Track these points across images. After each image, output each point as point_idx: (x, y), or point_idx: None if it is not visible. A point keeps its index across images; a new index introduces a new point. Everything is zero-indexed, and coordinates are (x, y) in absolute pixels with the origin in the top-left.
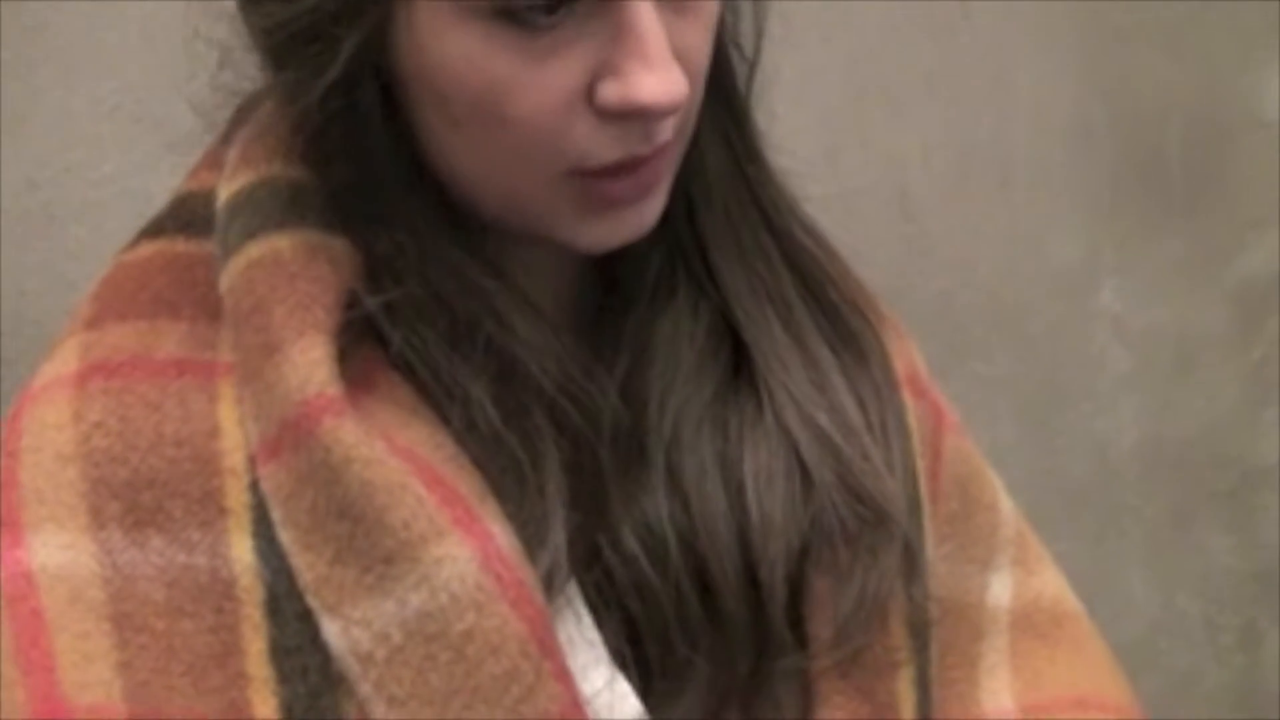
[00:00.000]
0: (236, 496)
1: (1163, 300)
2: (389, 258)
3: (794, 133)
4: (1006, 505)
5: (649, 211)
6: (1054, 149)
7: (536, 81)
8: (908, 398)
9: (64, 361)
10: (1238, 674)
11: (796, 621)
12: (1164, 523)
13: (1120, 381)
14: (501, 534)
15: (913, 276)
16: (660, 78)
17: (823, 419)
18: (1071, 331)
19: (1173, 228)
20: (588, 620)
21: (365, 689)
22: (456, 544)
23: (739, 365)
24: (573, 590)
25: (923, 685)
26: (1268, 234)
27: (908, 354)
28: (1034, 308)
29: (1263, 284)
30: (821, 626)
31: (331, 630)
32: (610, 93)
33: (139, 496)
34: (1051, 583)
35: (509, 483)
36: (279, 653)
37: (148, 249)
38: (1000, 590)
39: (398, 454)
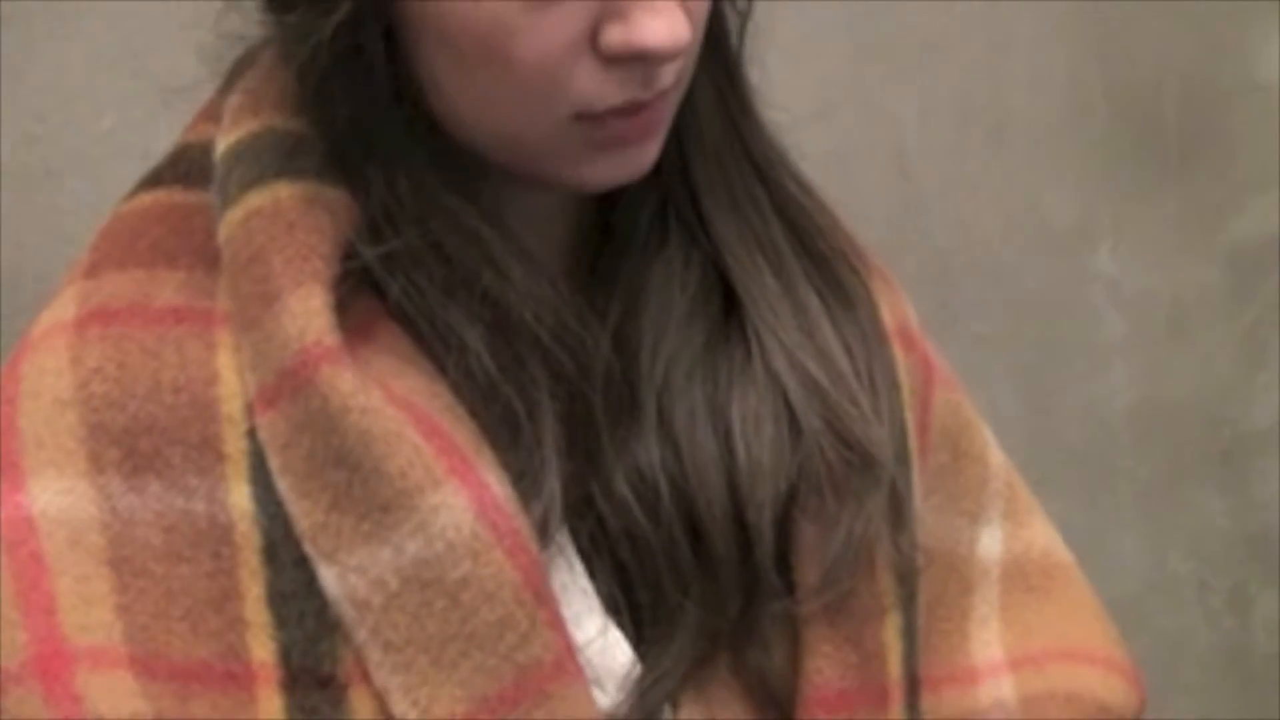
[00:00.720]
0: (234, 444)
1: (1158, 263)
2: (387, 206)
3: (792, 92)
4: (997, 458)
5: (648, 153)
6: (1050, 111)
7: (541, 25)
8: (897, 350)
9: (63, 309)
10: (1228, 635)
11: (784, 567)
12: (1157, 484)
13: (1114, 343)
14: (497, 483)
15: (908, 236)
16: (664, 21)
17: (811, 365)
18: (1066, 293)
19: (1168, 190)
20: (580, 568)
21: (362, 635)
22: (453, 493)
23: (729, 313)
24: (565, 539)
25: (910, 635)
26: (1263, 197)
27: (899, 306)
28: (1029, 269)
29: (1258, 247)
30: (808, 571)
31: (328, 577)
32: (614, 36)
33: (137, 442)
34: (1041, 535)
35: (505, 433)
36: (276, 598)
37: (146, 199)
38: (990, 543)
39: (395, 403)
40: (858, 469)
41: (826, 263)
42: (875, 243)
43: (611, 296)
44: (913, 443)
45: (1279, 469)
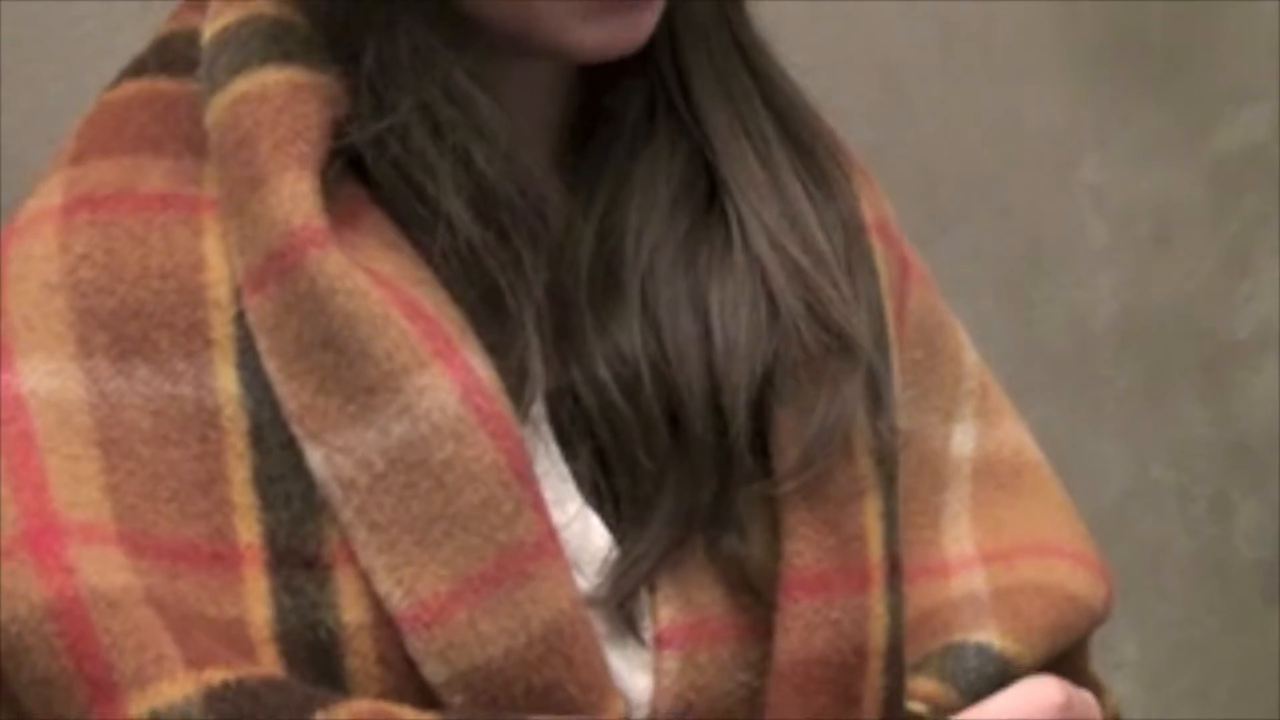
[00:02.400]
0: (222, 328)
1: (1142, 173)
2: (378, 79)
3: (776, 3)
4: (970, 358)
5: (645, 22)
6: (1037, 22)
7: None
8: (876, 242)
9: (49, 195)
10: (1208, 544)
11: (762, 451)
12: (1139, 393)
13: (1099, 253)
14: (480, 366)
15: (894, 148)
16: None
17: (792, 249)
18: (1051, 203)
19: (1154, 101)
20: (558, 453)
21: (347, 515)
22: (437, 375)
23: (714, 200)
24: (545, 422)
25: (889, 518)
26: (1249, 107)
27: (878, 203)
28: (1014, 180)
29: (1242, 157)
30: (786, 452)
31: (315, 458)
32: None
33: (125, 327)
34: (1012, 434)
35: (487, 315)
36: (262, 480)
37: (130, 88)
38: (963, 440)
39: (381, 286)
40: (836, 352)
41: (811, 153)
42: (860, 153)
43: (598, 183)
44: (891, 329)
45: (1260, 378)
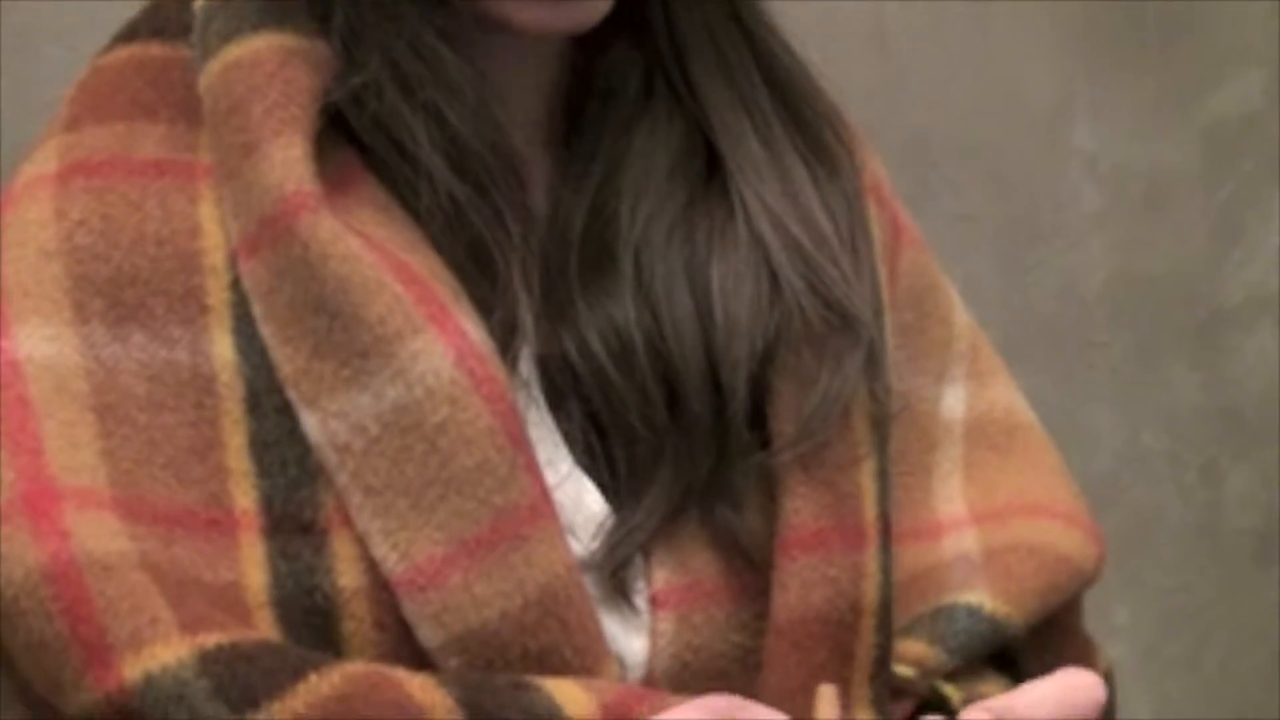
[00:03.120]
0: (217, 294)
1: (1135, 138)
2: (350, 40)
3: None
4: (961, 319)
5: (581, 12)
6: None
7: None
8: (870, 205)
9: (44, 161)
10: (1200, 510)
11: (760, 424)
12: (1131, 359)
13: (1091, 219)
14: (473, 330)
15: (887, 113)
16: None
17: (794, 226)
18: (1044, 169)
19: (1146, 66)
20: (551, 420)
21: (343, 479)
22: (431, 340)
23: (712, 175)
24: (538, 391)
25: (883, 479)
26: (1242, 74)
27: (872, 166)
28: (1007, 145)
29: (1235, 124)
30: (784, 424)
31: (310, 422)
32: None
33: (121, 293)
34: (1004, 395)
35: (477, 274)
36: (258, 446)
37: (123, 53)
38: (954, 402)
39: (374, 251)
40: (837, 329)
41: (811, 127)
42: (853, 119)
43: (594, 153)
44: (885, 294)
45: (1252, 344)
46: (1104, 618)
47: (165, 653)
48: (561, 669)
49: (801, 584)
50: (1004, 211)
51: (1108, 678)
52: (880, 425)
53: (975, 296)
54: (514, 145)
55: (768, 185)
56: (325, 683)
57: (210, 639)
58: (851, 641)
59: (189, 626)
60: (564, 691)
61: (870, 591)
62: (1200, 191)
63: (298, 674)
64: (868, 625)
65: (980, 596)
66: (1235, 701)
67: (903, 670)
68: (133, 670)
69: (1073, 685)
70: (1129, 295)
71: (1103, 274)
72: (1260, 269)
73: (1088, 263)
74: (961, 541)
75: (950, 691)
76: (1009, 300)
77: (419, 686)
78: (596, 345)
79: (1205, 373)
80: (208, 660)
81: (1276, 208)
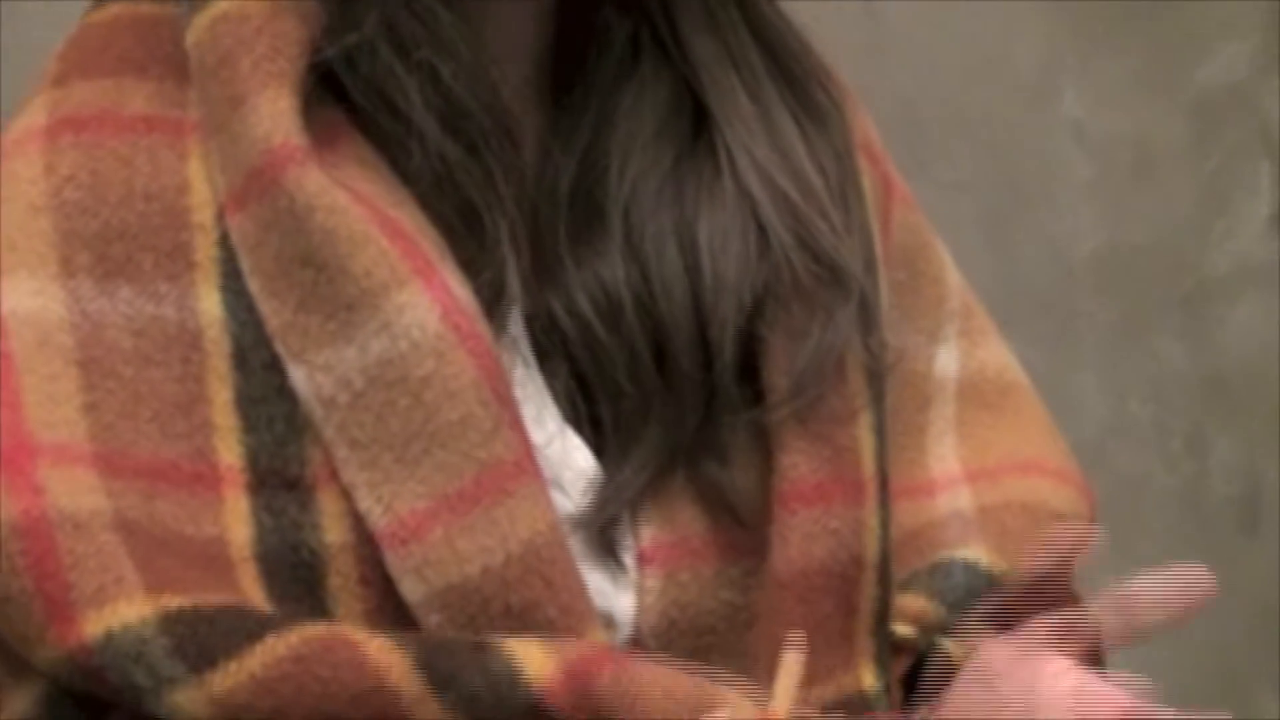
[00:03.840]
0: (205, 251)
1: (1123, 108)
2: (359, 10)
3: None
4: (953, 279)
5: None
6: None
7: None
8: (863, 162)
9: (33, 117)
10: (1185, 479)
11: (753, 380)
12: (1118, 328)
13: (1079, 188)
14: (459, 286)
15: (875, 82)
16: None
17: (782, 181)
18: (1032, 138)
19: (1135, 36)
20: (539, 376)
21: (329, 433)
22: (417, 293)
23: (700, 133)
24: (525, 347)
25: (879, 433)
26: (1229, 44)
27: (863, 124)
28: (996, 114)
29: (1222, 94)
30: (777, 380)
31: (297, 376)
32: None
33: (109, 248)
34: (996, 354)
35: (465, 234)
36: (244, 402)
37: (113, 9)
38: (946, 361)
39: (360, 204)
40: (827, 282)
41: (800, 83)
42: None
43: (582, 111)
44: (878, 249)
45: (1238, 314)
46: (1090, 585)
47: (128, 611)
48: (545, 626)
49: (803, 537)
50: (992, 180)
51: (1096, 638)
52: (876, 379)
53: (963, 264)
54: (507, 105)
55: (756, 141)
56: (282, 643)
57: (174, 600)
58: (854, 595)
59: (154, 587)
60: (525, 651)
61: (870, 545)
62: (1188, 161)
63: (255, 635)
64: (869, 579)
65: (976, 552)
66: (1219, 667)
67: (902, 630)
68: (94, 627)
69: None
70: (1116, 264)
71: (1090, 243)
72: (1247, 239)
73: (1075, 232)
74: (956, 499)
75: (952, 647)
76: (996, 269)
77: (376, 648)
78: (584, 304)
79: (1191, 342)
80: (169, 620)
81: (1263, 178)
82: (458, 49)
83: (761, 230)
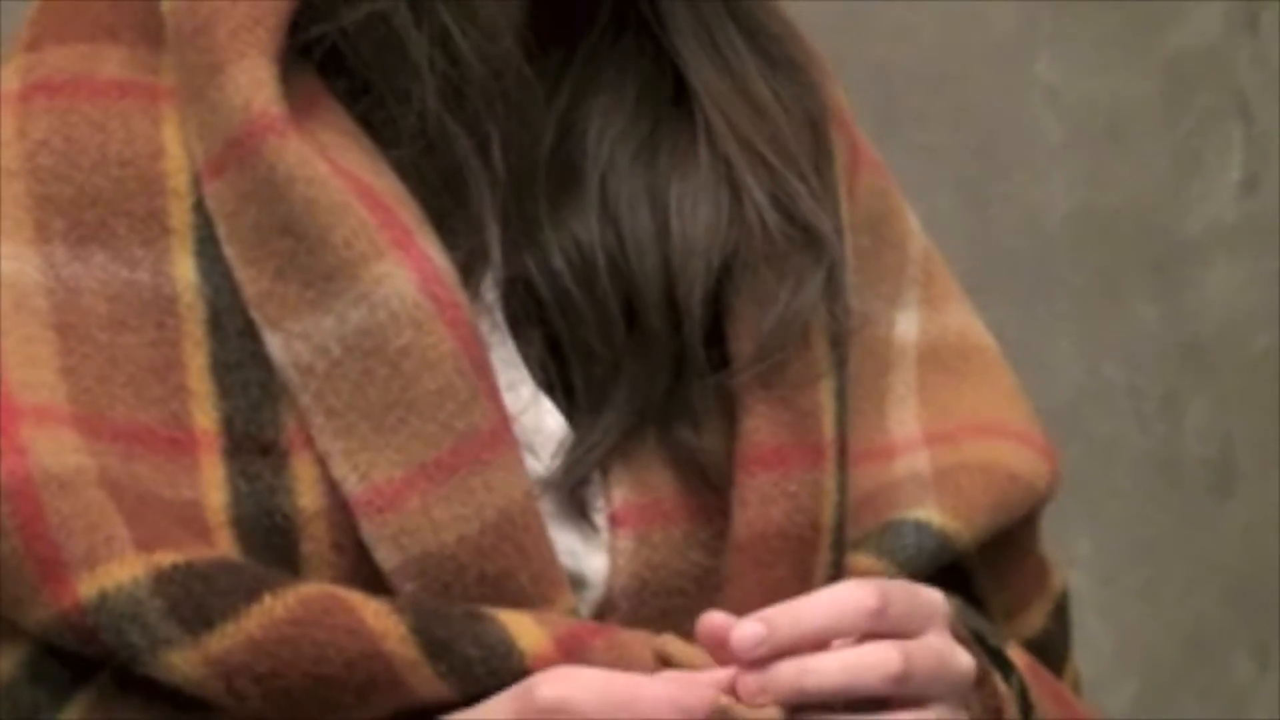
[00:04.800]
0: (180, 217)
1: (1097, 71)
2: None
3: None
4: (917, 244)
5: None
6: None
7: None
8: (833, 129)
9: (6, 81)
10: (1159, 442)
11: (722, 342)
12: (1092, 291)
13: (1053, 151)
14: (438, 256)
15: (851, 45)
16: None
17: (760, 145)
18: (1007, 101)
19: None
20: (511, 342)
21: (305, 401)
22: (395, 264)
23: (679, 102)
24: (499, 312)
25: (841, 397)
26: (1202, 7)
27: (833, 90)
28: (970, 77)
29: (1195, 57)
30: (743, 344)
31: (274, 343)
32: None
33: (83, 214)
34: (958, 318)
35: (448, 202)
36: (219, 368)
37: None
38: (907, 326)
39: (339, 175)
40: (800, 245)
41: (775, 50)
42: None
43: (563, 79)
44: (845, 215)
45: (1211, 277)
46: (1064, 548)
47: (120, 571)
48: (517, 594)
49: (761, 500)
50: (966, 144)
51: (1063, 598)
52: (839, 344)
53: (937, 228)
54: (517, 71)
55: (734, 108)
56: (280, 604)
57: (166, 558)
58: (811, 558)
59: (145, 544)
60: (518, 623)
61: (827, 510)
62: (1161, 124)
63: (252, 595)
64: (825, 543)
65: (928, 512)
66: (1194, 629)
67: None
68: (87, 588)
69: (840, 591)
70: (1090, 228)
71: (1064, 206)
72: (1219, 202)
73: (1049, 195)
74: (914, 462)
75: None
76: (971, 233)
77: (373, 613)
78: (559, 263)
79: (1165, 305)
80: (163, 579)
81: (1236, 141)
82: (476, 13)
83: (735, 194)
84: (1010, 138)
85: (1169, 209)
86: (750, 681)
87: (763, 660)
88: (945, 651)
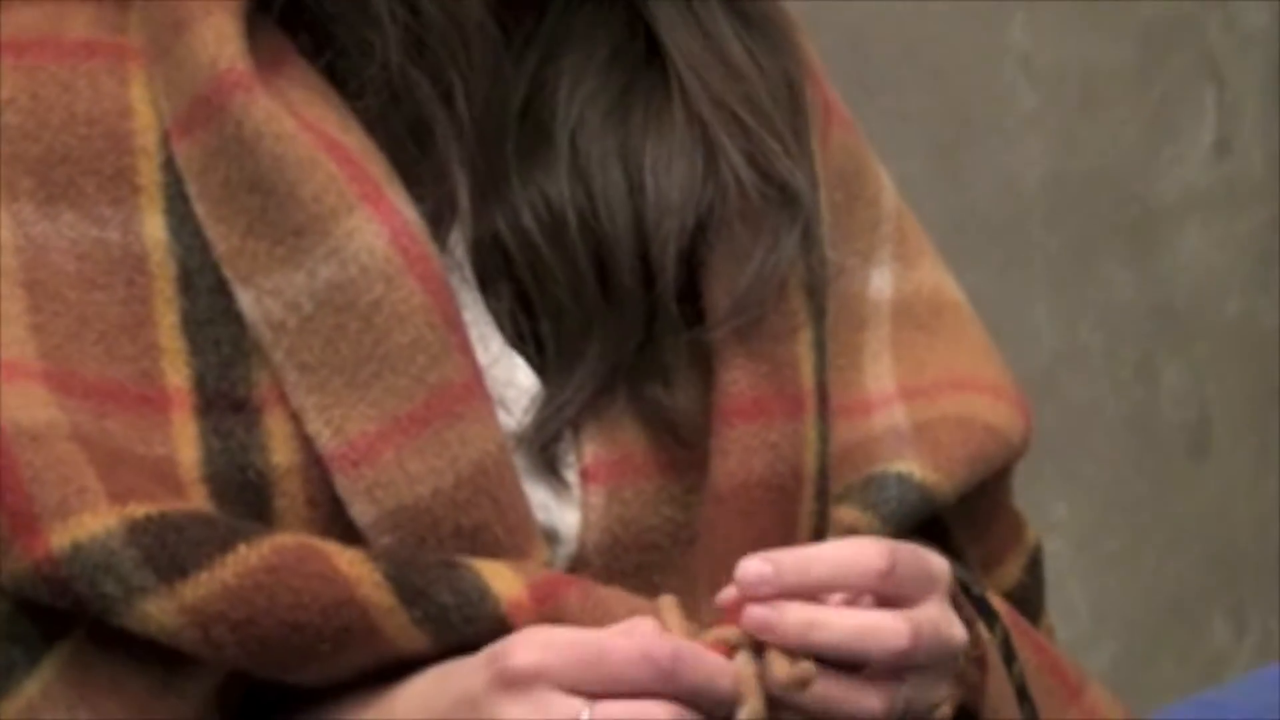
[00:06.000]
0: (149, 175)
1: (1070, 36)
2: None
3: None
4: (889, 201)
5: None
6: None
7: None
8: (806, 84)
9: None
10: (1135, 405)
11: (694, 300)
12: (1067, 256)
13: (1027, 117)
14: (407, 210)
15: (824, 11)
16: None
17: (735, 105)
18: (981, 67)
19: None
20: (481, 300)
21: (277, 357)
22: (365, 218)
23: (651, 61)
24: (468, 268)
25: (819, 348)
26: None
27: (806, 47)
28: (944, 43)
29: (1167, 22)
30: (719, 300)
31: (245, 300)
32: None
33: (51, 173)
34: (931, 274)
35: (416, 155)
36: (191, 325)
37: None
38: (881, 284)
39: (307, 130)
40: (775, 203)
41: (751, 14)
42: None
43: (534, 36)
44: (819, 169)
45: (1185, 241)
46: (1041, 513)
47: (93, 522)
48: (492, 546)
49: (742, 450)
50: (940, 110)
51: (1037, 551)
52: (816, 296)
53: (912, 194)
54: (479, 22)
55: (709, 68)
56: (254, 554)
57: (139, 509)
58: (793, 508)
59: (118, 496)
60: (493, 571)
61: (809, 459)
62: (1135, 89)
63: (226, 545)
64: (808, 493)
65: (910, 465)
66: (1171, 593)
67: None
68: (60, 539)
69: (852, 548)
70: (1065, 193)
71: (1038, 171)
72: (1193, 166)
73: (1024, 160)
74: (891, 416)
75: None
76: (946, 198)
77: (347, 561)
78: (529, 220)
79: (1140, 269)
80: (136, 530)
81: (1209, 105)
82: None
83: (711, 153)
84: (984, 103)
85: (1143, 174)
86: (758, 614)
87: (765, 599)
88: (943, 623)
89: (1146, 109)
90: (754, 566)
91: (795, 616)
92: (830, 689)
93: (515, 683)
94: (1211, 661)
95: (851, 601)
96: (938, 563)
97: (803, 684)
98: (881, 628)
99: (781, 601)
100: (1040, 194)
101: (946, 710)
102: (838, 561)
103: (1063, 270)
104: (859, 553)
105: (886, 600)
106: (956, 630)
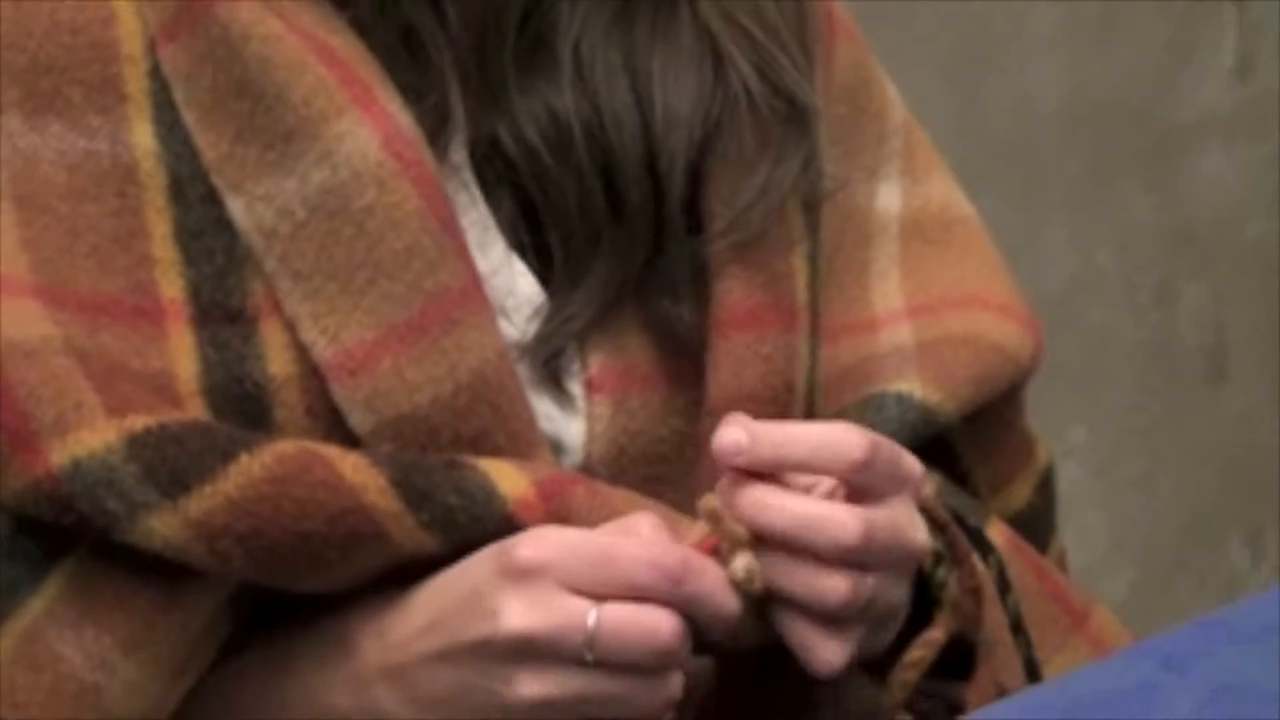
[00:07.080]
0: (136, 83)
1: None
2: None
3: None
4: (897, 114)
5: None
6: None
7: None
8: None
9: None
10: (1153, 330)
11: (698, 211)
12: (1085, 179)
13: (1045, 38)
14: (399, 113)
15: None
16: None
17: (743, 18)
18: None
19: None
20: (484, 205)
21: (271, 265)
22: (356, 122)
23: None
24: (469, 176)
25: (814, 261)
26: None
27: None
28: None
29: None
30: (719, 213)
31: (236, 208)
32: None
33: (37, 83)
34: (940, 189)
35: (407, 61)
36: (184, 235)
37: None
38: (888, 199)
39: (295, 33)
40: (784, 117)
41: None
42: None
43: None
44: (820, 84)
45: (1204, 164)
46: (1059, 438)
47: (92, 438)
48: (494, 454)
49: (735, 361)
50: (957, 31)
51: (1048, 472)
52: (812, 210)
53: (928, 119)
54: None
55: None
56: (257, 463)
57: (138, 422)
58: (785, 420)
59: (115, 409)
60: (498, 470)
61: (801, 374)
62: (1153, 10)
63: (228, 455)
64: (799, 408)
65: (911, 385)
66: (1188, 517)
67: None
68: (60, 456)
69: (834, 432)
70: (1082, 116)
71: (1056, 94)
72: (1213, 89)
73: (1041, 83)
74: (896, 334)
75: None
76: (963, 123)
77: (351, 466)
78: (532, 133)
79: (1158, 193)
80: (136, 444)
81: (1229, 26)
82: None
83: (719, 65)
84: (1002, 25)
85: (1162, 96)
86: (725, 484)
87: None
88: (904, 524)
89: (1166, 31)
90: (731, 434)
91: (747, 498)
92: (794, 573)
93: (521, 575)
94: (1229, 585)
95: (831, 493)
96: (912, 464)
97: (749, 581)
98: (831, 519)
99: (744, 477)
100: (1058, 117)
101: (903, 615)
102: (817, 444)
103: (1080, 194)
104: (840, 439)
105: (854, 492)
106: (918, 534)
